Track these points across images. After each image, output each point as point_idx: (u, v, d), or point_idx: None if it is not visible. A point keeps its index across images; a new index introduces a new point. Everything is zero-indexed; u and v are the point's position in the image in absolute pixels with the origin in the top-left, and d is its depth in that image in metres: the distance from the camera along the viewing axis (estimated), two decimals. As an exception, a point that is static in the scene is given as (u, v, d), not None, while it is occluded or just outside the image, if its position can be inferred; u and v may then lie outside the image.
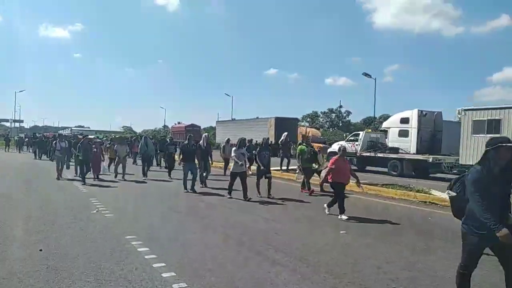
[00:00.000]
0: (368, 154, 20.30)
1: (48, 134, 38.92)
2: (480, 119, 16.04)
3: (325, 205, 8.31)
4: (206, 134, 14.18)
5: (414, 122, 22.10)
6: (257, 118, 41.72)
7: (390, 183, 12.51)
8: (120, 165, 14.42)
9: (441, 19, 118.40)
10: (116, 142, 16.31)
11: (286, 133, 19.58)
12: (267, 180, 10.48)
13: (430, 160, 18.02)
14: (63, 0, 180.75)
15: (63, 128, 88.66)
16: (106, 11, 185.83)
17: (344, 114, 63.68)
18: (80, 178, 13.05)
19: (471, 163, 15.80)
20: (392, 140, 23.09)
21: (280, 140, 18.57)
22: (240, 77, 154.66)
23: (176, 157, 15.65)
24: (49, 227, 6.65)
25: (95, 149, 13.93)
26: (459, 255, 5.60)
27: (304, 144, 12.38)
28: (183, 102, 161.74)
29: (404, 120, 22.73)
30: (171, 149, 16.31)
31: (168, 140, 18.31)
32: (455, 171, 18.23)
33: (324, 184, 11.04)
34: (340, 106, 62.25)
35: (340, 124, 61.55)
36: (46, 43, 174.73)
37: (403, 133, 22.44)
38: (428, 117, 22.54)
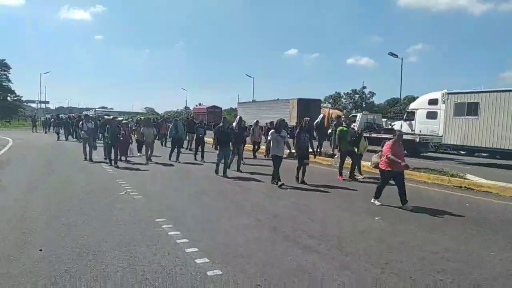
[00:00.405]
0: (364, 135, 19.95)
1: (73, 114, 39.47)
2: (461, 102, 16.60)
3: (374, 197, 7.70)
4: (240, 116, 13.06)
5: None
6: (278, 99, 41.10)
7: (422, 166, 12.03)
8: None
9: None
10: (142, 124, 15.72)
11: (322, 115, 18.83)
12: (302, 166, 9.84)
13: (418, 140, 18.33)
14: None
15: (87, 109, 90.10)
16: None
17: (368, 95, 62.38)
18: (108, 161, 12.84)
19: (453, 143, 16.91)
20: (420, 121, 22.50)
21: (315, 122, 17.50)
22: (260, 58, 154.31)
23: (208, 139, 15.43)
24: (76, 209, 6.62)
25: (123, 132, 13.47)
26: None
27: (345, 125, 11.38)
28: (203, 83, 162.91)
29: (433, 102, 22.09)
30: (200, 131, 15.40)
31: (197, 122, 17.43)
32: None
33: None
34: (364, 87, 60.94)
35: (364, 106, 60.34)
36: (68, 24, 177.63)
37: (432, 115, 21.87)
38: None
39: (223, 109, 58.25)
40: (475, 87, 16.59)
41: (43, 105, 73.81)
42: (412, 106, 24.21)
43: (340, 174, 10.84)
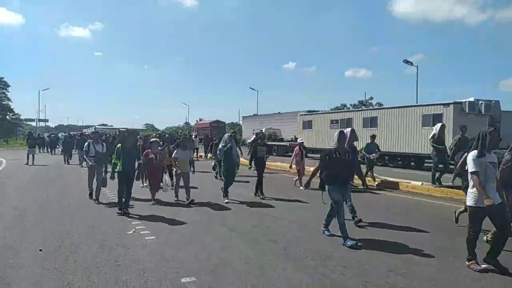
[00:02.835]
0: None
1: (75, 133, 37.27)
2: (305, 120, 27.83)
3: None
4: (352, 129, 8.51)
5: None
6: (279, 113, 40.13)
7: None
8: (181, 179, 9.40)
9: (465, 5, 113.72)
10: (177, 143, 10.37)
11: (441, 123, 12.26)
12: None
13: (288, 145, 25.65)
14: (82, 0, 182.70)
15: (87, 127, 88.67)
16: (124, 9, 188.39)
17: (376, 106, 60.75)
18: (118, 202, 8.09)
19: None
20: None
21: (432, 135, 11.53)
22: (259, 71, 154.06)
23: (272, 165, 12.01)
24: (70, 261, 5.00)
25: (152, 156, 9.28)
26: None
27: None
28: (202, 99, 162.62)
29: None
30: (261, 151, 10.24)
31: (257, 139, 11.15)
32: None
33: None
34: (371, 98, 59.51)
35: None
36: (67, 42, 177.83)
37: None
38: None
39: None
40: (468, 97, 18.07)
41: (42, 123, 72.50)
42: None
43: None
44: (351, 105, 57.51)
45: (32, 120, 74.40)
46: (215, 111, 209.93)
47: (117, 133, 19.28)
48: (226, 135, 9.98)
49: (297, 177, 12.21)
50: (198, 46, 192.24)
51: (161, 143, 11.44)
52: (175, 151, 9.66)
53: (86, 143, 9.84)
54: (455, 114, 17.21)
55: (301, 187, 10.90)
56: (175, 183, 9.73)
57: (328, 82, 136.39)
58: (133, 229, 6.54)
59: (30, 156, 20.13)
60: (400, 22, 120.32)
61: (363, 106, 52.38)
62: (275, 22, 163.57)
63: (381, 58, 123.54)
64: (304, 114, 28.63)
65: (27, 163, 19.63)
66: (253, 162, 10.26)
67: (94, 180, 9.43)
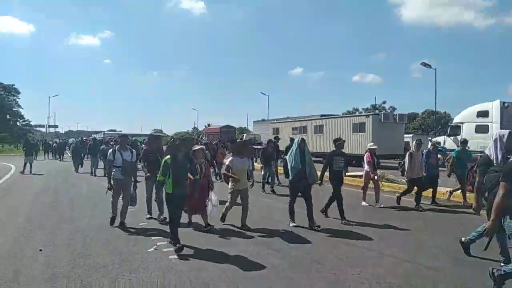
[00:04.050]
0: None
1: (87, 138, 36.14)
2: (274, 127, 30.89)
3: None
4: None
5: (495, 115, 19.53)
6: (288, 117, 39.59)
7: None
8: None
9: (472, 10, 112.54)
10: (231, 149, 8.58)
11: None
12: None
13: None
14: (91, 8, 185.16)
15: (96, 133, 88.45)
16: (133, 18, 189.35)
17: (388, 111, 59.77)
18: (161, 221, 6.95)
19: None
20: (467, 137, 20.20)
21: None
22: (266, 77, 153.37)
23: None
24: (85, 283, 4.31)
25: (197, 167, 6.54)
26: None
27: None
28: (208, 104, 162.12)
29: (482, 114, 20.08)
30: (338, 163, 7.90)
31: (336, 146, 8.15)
32: None
33: None
34: (384, 102, 58.64)
35: (383, 121, 57.36)
36: (77, 50, 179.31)
37: (481, 129, 19.74)
38: (511, 109, 19.63)
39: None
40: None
41: (52, 129, 72.58)
42: (457, 119, 21.87)
43: None
44: (363, 109, 56.66)
45: (42, 126, 74.63)
46: (222, 117, 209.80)
47: (134, 138, 17.93)
48: (297, 140, 7.52)
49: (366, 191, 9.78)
50: (205, 52, 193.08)
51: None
52: (230, 159, 7.27)
53: (111, 150, 7.49)
54: (374, 123, 21.70)
55: (377, 204, 9.39)
56: (228, 204, 7.34)
57: (336, 87, 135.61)
58: (154, 246, 5.84)
59: (28, 164, 18.52)
60: (407, 28, 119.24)
61: (376, 110, 51.54)
62: (281, 28, 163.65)
63: (389, 63, 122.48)
64: (273, 122, 33.36)
65: (23, 172, 17.96)
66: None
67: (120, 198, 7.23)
